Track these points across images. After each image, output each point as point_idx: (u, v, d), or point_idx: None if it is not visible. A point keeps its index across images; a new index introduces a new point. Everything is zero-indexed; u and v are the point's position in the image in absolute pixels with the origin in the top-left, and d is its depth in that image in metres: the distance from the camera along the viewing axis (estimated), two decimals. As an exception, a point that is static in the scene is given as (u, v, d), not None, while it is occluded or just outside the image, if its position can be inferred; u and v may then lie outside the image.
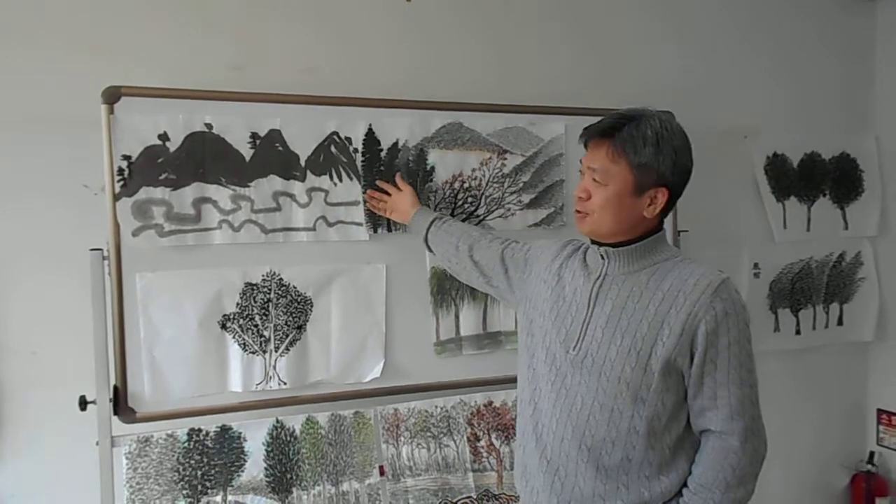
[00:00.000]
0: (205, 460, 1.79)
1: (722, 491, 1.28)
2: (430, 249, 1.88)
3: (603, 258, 1.41)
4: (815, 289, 2.78)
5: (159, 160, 1.74)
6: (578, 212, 1.42)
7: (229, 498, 1.80)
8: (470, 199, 2.06)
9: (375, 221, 1.95)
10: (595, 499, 1.35)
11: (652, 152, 1.30)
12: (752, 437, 1.29)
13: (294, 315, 1.89)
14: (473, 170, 2.06)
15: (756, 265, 2.68)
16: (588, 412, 1.35)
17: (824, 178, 2.76)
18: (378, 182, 1.95)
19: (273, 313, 1.86)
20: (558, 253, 1.54)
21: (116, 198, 1.70)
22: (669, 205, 1.38)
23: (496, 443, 2.07)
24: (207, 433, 1.80)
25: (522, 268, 1.64)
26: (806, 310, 2.77)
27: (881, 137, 2.86)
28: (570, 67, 2.37)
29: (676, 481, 1.33)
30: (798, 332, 2.76)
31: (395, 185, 1.93)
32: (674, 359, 1.29)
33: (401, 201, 1.91)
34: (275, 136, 1.85)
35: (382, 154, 1.95)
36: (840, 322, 2.85)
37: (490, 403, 2.08)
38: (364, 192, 1.93)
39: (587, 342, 1.37)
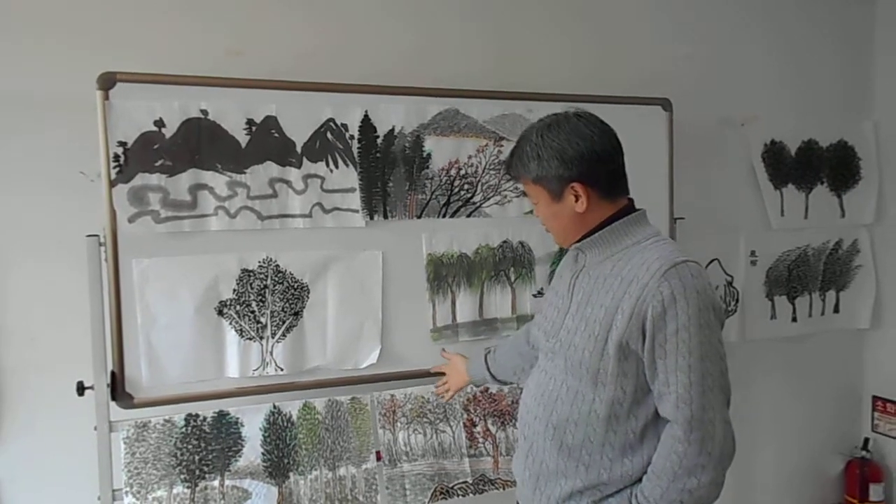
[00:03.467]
0: (202, 445, 1.80)
1: (669, 479, 1.27)
2: (504, 382, 1.90)
3: (582, 252, 1.45)
4: (811, 276, 2.79)
5: (155, 146, 1.74)
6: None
7: (227, 482, 1.81)
8: (466, 186, 2.06)
9: (372, 208, 1.95)
10: (558, 475, 1.40)
11: (536, 165, 1.37)
12: (698, 426, 1.25)
13: (291, 301, 1.89)
14: (470, 156, 2.06)
15: (753, 252, 2.68)
16: (557, 393, 1.40)
17: (822, 166, 2.76)
18: (433, 370, 2.01)
19: (270, 299, 1.87)
20: (563, 260, 1.60)
21: (112, 184, 1.70)
22: (604, 187, 1.38)
23: (492, 428, 2.08)
24: (205, 418, 1.81)
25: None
26: (802, 297, 2.78)
27: (879, 125, 2.86)
28: (567, 54, 2.36)
29: (640, 465, 1.33)
30: (794, 320, 2.77)
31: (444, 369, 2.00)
32: (626, 342, 1.29)
33: (455, 370, 1.96)
34: (271, 122, 1.84)
35: (379, 141, 1.95)
36: (836, 310, 2.85)
37: (486, 390, 2.09)
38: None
39: (563, 331, 1.42)
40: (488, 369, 1.86)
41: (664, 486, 1.28)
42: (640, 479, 1.34)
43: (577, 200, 1.37)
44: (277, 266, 1.88)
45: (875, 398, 2.97)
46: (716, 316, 1.30)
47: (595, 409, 1.34)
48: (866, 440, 2.95)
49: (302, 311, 1.91)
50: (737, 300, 2.66)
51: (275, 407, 1.88)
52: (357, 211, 1.94)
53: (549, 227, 1.48)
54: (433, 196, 2.02)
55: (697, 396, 1.25)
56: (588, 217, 1.38)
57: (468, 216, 2.07)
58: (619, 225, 1.38)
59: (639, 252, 1.34)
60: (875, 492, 2.86)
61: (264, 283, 1.86)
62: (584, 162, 1.34)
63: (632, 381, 1.32)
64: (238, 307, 1.84)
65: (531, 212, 2.12)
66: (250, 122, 1.82)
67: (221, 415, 1.83)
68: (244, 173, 1.82)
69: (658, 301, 1.25)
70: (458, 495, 2.02)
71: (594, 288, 1.37)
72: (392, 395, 2.00)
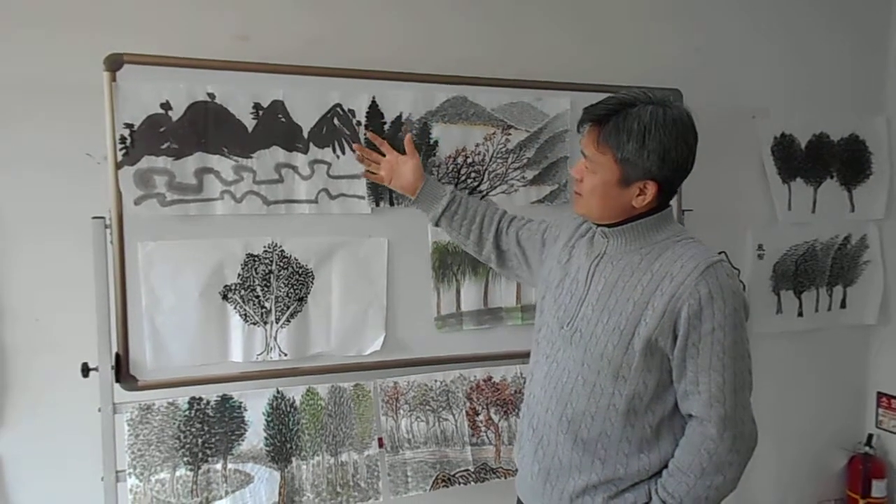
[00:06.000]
0: (205, 428, 1.81)
1: (697, 476, 1.27)
2: (437, 226, 1.84)
3: (604, 237, 1.41)
4: (818, 271, 2.77)
5: (161, 129, 1.73)
6: (575, 192, 1.43)
7: (229, 466, 1.82)
8: (473, 175, 2.05)
9: (378, 195, 1.94)
10: (572, 470, 1.37)
11: (635, 148, 1.27)
12: (731, 425, 1.26)
13: (295, 287, 1.89)
14: (477, 145, 2.04)
15: (760, 246, 2.67)
16: (572, 385, 1.37)
17: (832, 160, 2.73)
18: (370, 136, 1.89)
19: (274, 285, 1.87)
20: (574, 231, 1.54)
21: (119, 166, 1.70)
22: (666, 192, 1.35)
23: (495, 417, 2.08)
24: (208, 402, 1.82)
25: (540, 249, 1.65)
26: (809, 292, 2.76)
27: (892, 119, 2.82)
28: (577, 43, 2.33)
29: (657, 461, 1.33)
30: (800, 315, 2.75)
31: (392, 148, 1.87)
32: (655, 339, 1.27)
33: (406, 171, 1.81)
34: (278, 106, 1.83)
35: (386, 127, 1.94)
36: (843, 305, 2.84)
37: (489, 378, 2.09)
38: (353, 151, 1.88)
39: (579, 319, 1.38)
40: (440, 218, 1.77)
41: (691, 482, 1.27)
42: (656, 474, 1.33)
43: (639, 195, 1.32)
44: (282, 251, 1.88)
45: (880, 394, 2.96)
46: (746, 315, 1.30)
47: (614, 403, 1.32)
48: (870, 436, 2.93)
49: (306, 296, 1.91)
50: (743, 294, 2.65)
51: (278, 392, 1.88)
52: (363, 197, 1.93)
53: (584, 196, 1.38)
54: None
55: (730, 395, 1.26)
56: (635, 210, 1.35)
57: (474, 204, 2.06)
58: (652, 220, 1.35)
59: (669, 248, 1.33)
60: (877, 488, 2.85)
61: (269, 268, 1.86)
62: (676, 169, 1.30)
63: (654, 376, 1.31)
64: (243, 292, 1.85)
65: (538, 201, 2.11)
66: (257, 107, 1.82)
67: (225, 399, 1.83)
68: (250, 158, 1.82)
69: (695, 300, 1.24)
70: (459, 483, 2.03)
71: (619, 279, 1.34)
72: (395, 383, 2.00)
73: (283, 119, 1.84)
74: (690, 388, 1.28)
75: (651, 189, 1.31)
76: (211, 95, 1.77)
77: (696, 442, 1.29)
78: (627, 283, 1.33)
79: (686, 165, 1.33)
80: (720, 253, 2.64)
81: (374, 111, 1.93)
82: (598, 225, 1.42)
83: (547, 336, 1.48)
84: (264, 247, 1.86)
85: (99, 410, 1.72)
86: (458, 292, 2.07)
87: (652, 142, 1.26)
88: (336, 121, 1.89)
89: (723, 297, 1.25)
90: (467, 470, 2.03)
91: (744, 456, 1.30)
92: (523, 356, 1.90)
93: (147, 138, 1.72)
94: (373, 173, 1.88)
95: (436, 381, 2.03)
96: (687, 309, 1.25)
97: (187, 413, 1.80)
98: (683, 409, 1.32)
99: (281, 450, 1.87)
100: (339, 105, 1.89)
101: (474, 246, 1.79)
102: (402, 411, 2.00)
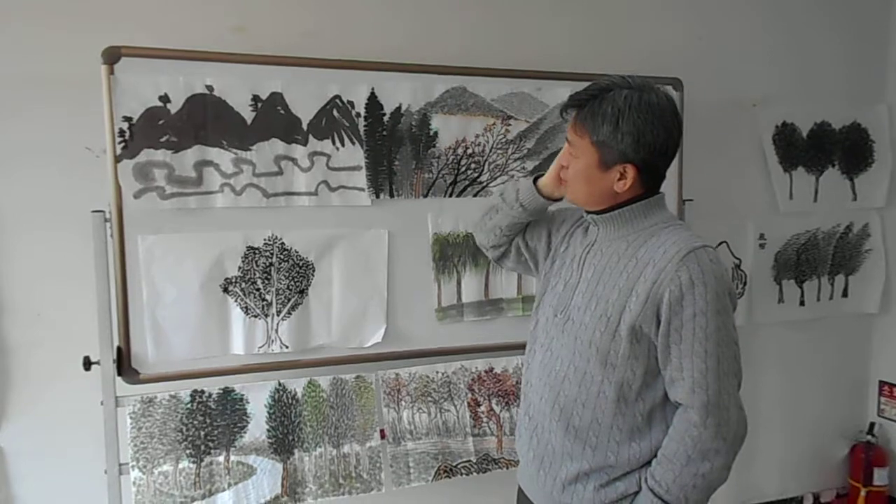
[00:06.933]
0: (208, 421, 1.81)
1: (682, 464, 1.26)
2: (494, 214, 1.62)
3: (595, 225, 1.41)
4: (820, 260, 2.76)
5: (160, 122, 1.73)
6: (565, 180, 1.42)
7: (232, 458, 1.83)
8: (473, 166, 2.04)
9: (378, 186, 1.94)
10: (564, 457, 1.38)
11: (609, 131, 1.27)
12: (714, 411, 1.25)
13: (296, 279, 1.89)
14: (477, 135, 2.04)
15: (762, 236, 2.66)
16: (564, 373, 1.38)
17: (834, 149, 2.72)
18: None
19: (275, 277, 1.87)
20: (575, 221, 1.54)
21: (118, 159, 1.70)
22: (650, 177, 1.35)
23: (496, 408, 2.08)
24: (210, 395, 1.82)
25: (546, 248, 1.62)
26: (811, 281, 2.76)
27: (893, 107, 2.81)
28: (576, 33, 2.32)
29: (648, 450, 1.32)
30: (802, 304, 2.75)
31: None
32: (639, 326, 1.27)
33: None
34: (276, 99, 1.83)
35: (385, 118, 1.94)
36: (845, 294, 2.83)
37: (491, 369, 2.10)
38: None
39: (571, 307, 1.39)
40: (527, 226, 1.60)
41: (677, 470, 1.27)
42: (647, 463, 1.33)
43: (620, 179, 1.31)
44: (283, 244, 1.87)
45: (882, 383, 2.96)
46: (731, 301, 1.29)
47: (603, 391, 1.32)
48: (872, 424, 2.94)
49: (307, 289, 1.91)
50: (744, 283, 2.64)
51: (280, 384, 1.88)
52: (363, 189, 1.93)
53: (571, 182, 1.39)
54: (439, 175, 2.01)
55: (713, 381, 1.25)
56: (619, 196, 1.34)
57: (475, 196, 2.06)
58: (639, 206, 1.35)
59: (655, 234, 1.32)
60: (879, 476, 2.85)
61: (270, 260, 1.86)
62: (654, 152, 1.29)
63: (642, 363, 1.30)
64: (243, 284, 1.85)
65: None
66: (256, 99, 1.81)
67: (227, 391, 1.84)
68: (250, 150, 1.82)
69: (676, 285, 1.23)
70: (461, 474, 2.03)
71: (606, 266, 1.35)
72: (397, 374, 2.00)
73: (281, 111, 1.84)
74: (675, 374, 1.28)
75: (630, 173, 1.31)
76: (209, 88, 1.77)
77: (681, 429, 1.29)
78: (614, 270, 1.33)
79: (665, 150, 1.32)
80: (721, 243, 2.66)
81: (374, 102, 1.92)
82: (588, 212, 1.43)
83: (543, 325, 1.48)
84: (264, 239, 1.86)
85: (101, 404, 1.72)
86: (458, 283, 2.07)
87: (626, 124, 1.27)
88: (335, 112, 1.89)
89: (704, 282, 1.24)
90: (469, 461, 2.04)
91: (731, 444, 1.28)
92: (524, 347, 1.89)
93: (146, 131, 1.72)
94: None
95: (437, 372, 2.04)
96: (668, 295, 1.24)
97: (189, 406, 1.80)
98: (671, 397, 1.32)
99: (283, 442, 1.87)
100: (338, 97, 1.89)
101: (492, 247, 1.66)
102: (403, 403, 2.00)
